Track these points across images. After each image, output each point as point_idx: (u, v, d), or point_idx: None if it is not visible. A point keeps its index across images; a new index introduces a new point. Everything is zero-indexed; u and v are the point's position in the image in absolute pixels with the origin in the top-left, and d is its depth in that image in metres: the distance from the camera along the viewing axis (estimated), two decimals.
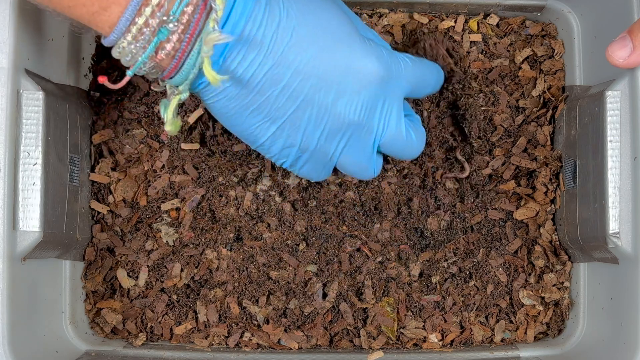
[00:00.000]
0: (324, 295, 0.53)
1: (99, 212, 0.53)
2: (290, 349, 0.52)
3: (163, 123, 0.43)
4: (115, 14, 0.37)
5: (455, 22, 0.55)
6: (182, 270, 0.53)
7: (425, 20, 0.55)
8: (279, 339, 0.52)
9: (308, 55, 0.40)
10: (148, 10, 0.36)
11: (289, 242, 0.53)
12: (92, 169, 0.53)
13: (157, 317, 0.52)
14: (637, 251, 0.44)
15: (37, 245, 0.44)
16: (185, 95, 0.40)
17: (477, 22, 0.55)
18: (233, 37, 0.38)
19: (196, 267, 0.53)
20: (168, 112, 0.40)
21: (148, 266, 0.53)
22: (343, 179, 0.54)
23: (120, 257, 0.53)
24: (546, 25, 0.55)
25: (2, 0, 0.42)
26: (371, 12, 0.55)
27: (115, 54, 0.38)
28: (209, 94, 0.41)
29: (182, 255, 0.53)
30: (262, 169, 0.53)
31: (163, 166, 0.53)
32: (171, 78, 0.39)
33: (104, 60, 0.54)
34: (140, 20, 0.36)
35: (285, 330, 0.52)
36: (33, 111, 0.44)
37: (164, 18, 0.36)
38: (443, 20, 0.55)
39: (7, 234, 0.42)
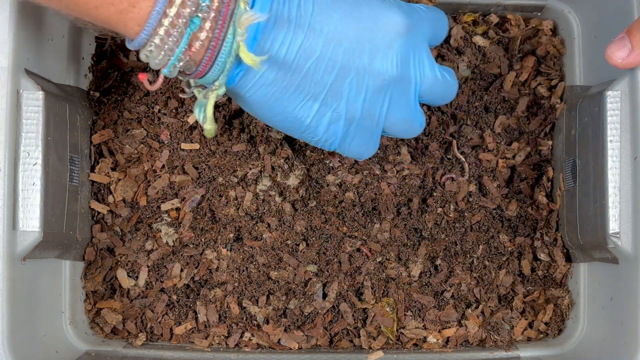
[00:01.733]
0: (324, 296, 0.52)
1: (98, 212, 0.53)
2: (290, 349, 0.52)
3: (197, 128, 0.42)
4: (145, 9, 0.35)
5: (455, 21, 0.55)
6: (182, 270, 0.53)
7: None
8: (279, 339, 0.52)
9: (334, 21, 0.40)
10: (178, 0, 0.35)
11: (289, 242, 0.53)
12: (92, 169, 0.53)
13: (157, 317, 0.52)
14: (637, 251, 0.44)
15: (37, 245, 0.44)
16: (222, 90, 0.39)
17: (477, 21, 0.55)
18: (266, 15, 0.37)
19: (196, 267, 0.53)
20: (208, 110, 0.40)
21: (148, 266, 0.53)
22: (343, 180, 0.54)
23: (120, 257, 0.53)
24: (546, 25, 0.55)
25: (2, 1, 0.42)
26: None
27: (143, 56, 0.37)
28: (247, 85, 0.40)
29: (182, 255, 0.53)
30: (262, 169, 0.53)
31: (163, 166, 0.53)
32: (206, 74, 0.38)
33: (104, 60, 0.54)
34: (172, 11, 0.35)
35: (285, 331, 0.52)
36: (33, 111, 0.44)
37: (194, 8, 0.36)
38: None
39: (7, 234, 0.42)
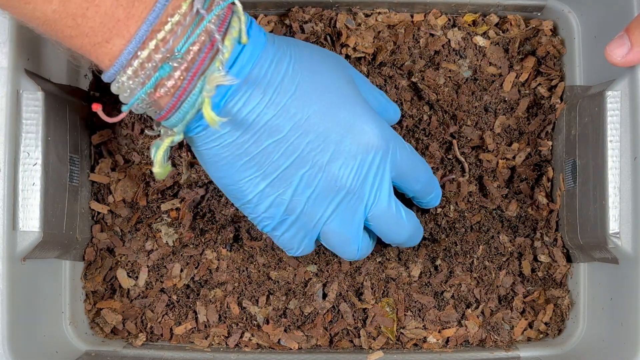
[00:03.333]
0: (324, 296, 0.53)
1: (98, 212, 0.53)
2: (290, 349, 0.52)
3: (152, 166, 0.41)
4: (118, 47, 0.35)
5: (455, 21, 0.55)
6: (182, 270, 0.53)
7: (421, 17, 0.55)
8: (279, 339, 0.52)
9: (310, 111, 0.40)
10: (152, 44, 0.35)
11: None
12: (92, 169, 0.53)
13: (157, 317, 0.52)
14: (637, 251, 0.44)
15: (37, 246, 0.44)
16: (178, 138, 0.39)
17: (477, 21, 0.55)
18: (238, 80, 0.37)
19: (196, 268, 0.53)
20: (158, 154, 0.39)
21: (148, 266, 0.53)
22: None
23: (120, 257, 0.53)
24: (546, 26, 0.55)
25: None
26: (370, 11, 0.55)
27: (114, 88, 0.37)
28: (204, 140, 0.40)
29: (182, 255, 0.53)
30: None
31: None
32: (167, 119, 0.38)
33: None
34: (143, 54, 0.35)
35: (285, 331, 0.52)
36: (33, 111, 0.44)
37: (168, 55, 0.35)
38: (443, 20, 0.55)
39: (7, 234, 0.43)
